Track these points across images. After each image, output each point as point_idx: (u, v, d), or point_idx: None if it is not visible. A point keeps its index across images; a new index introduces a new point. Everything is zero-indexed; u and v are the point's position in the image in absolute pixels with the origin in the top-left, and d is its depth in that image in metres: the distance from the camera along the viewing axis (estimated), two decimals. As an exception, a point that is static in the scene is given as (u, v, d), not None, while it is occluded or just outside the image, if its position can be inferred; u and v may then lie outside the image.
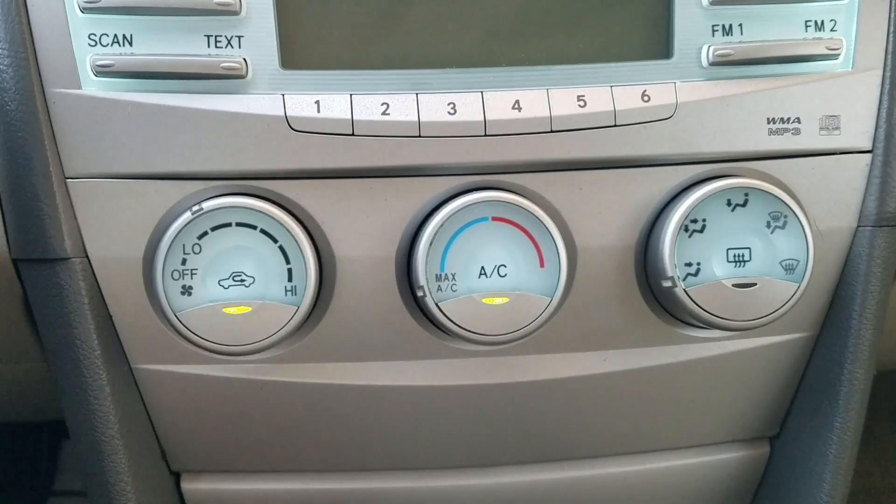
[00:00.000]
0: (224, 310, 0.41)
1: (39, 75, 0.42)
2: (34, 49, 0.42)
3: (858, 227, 0.46)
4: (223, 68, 0.42)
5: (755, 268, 0.44)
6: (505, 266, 0.44)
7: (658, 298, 0.46)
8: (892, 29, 0.46)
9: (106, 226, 0.43)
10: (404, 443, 0.49)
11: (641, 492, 0.53)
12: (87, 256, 0.43)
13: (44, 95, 0.42)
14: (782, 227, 0.44)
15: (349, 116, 0.43)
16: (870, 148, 0.46)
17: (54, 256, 0.42)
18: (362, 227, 0.44)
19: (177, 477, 0.49)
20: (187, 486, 0.49)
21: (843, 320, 0.48)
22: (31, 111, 0.42)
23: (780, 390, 0.51)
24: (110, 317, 0.44)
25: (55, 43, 0.42)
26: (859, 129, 0.46)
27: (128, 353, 0.45)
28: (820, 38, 0.45)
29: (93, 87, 0.42)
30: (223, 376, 0.45)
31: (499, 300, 0.42)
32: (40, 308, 0.45)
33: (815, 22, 0.45)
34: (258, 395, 0.46)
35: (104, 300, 0.44)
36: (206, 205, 0.42)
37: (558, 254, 0.43)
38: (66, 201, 0.42)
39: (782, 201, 0.44)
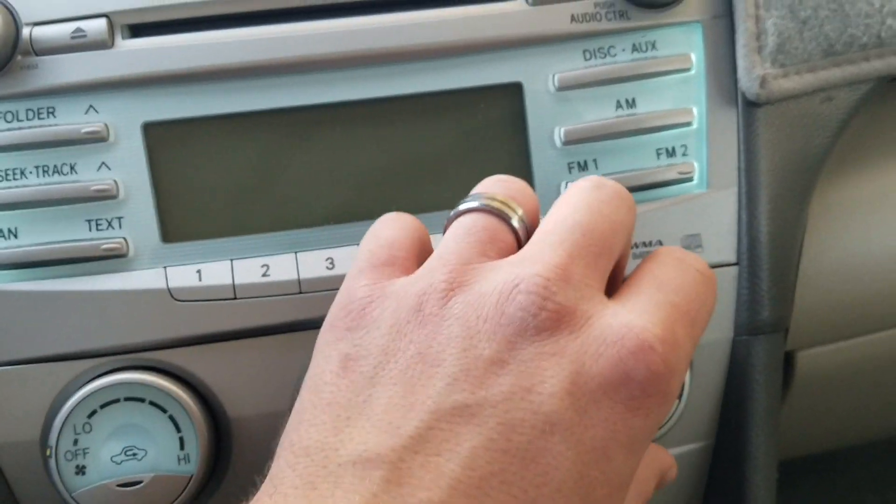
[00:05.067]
0: (117, 486, 0.40)
1: None
2: None
3: (734, 337, 0.46)
4: (103, 250, 0.41)
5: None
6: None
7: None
8: (742, 147, 0.46)
9: (2, 411, 0.41)
10: None
11: None
12: None
13: None
14: None
15: (230, 281, 0.42)
16: (735, 261, 0.45)
17: (-52, 448, 0.43)
18: (254, 386, 0.42)
19: None
20: None
21: (734, 428, 0.46)
22: None
23: (689, 497, 0.50)
24: (17, 500, 0.42)
25: None
26: (721, 244, 0.45)
27: None
28: (672, 164, 0.45)
29: None
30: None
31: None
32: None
33: (667, 149, 0.45)
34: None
35: (8, 484, 0.42)
36: (92, 385, 0.41)
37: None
38: None
39: None
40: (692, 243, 0.45)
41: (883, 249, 0.51)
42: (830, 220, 0.50)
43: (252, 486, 0.32)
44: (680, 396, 0.43)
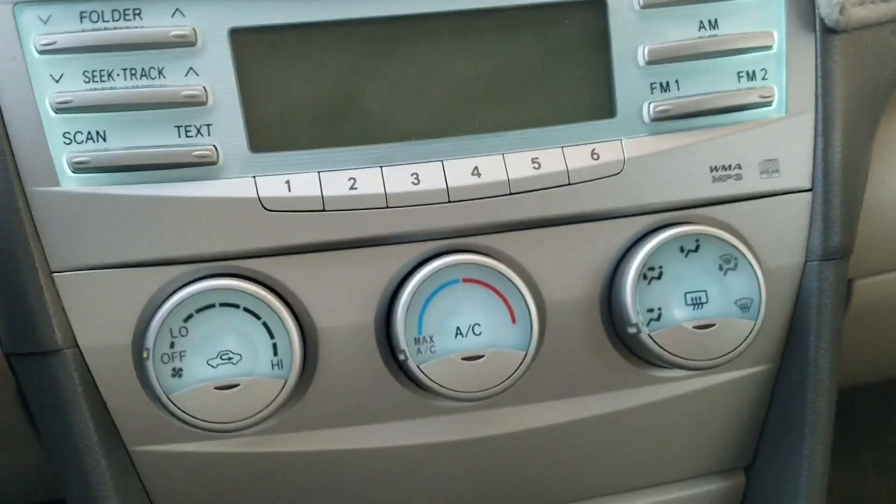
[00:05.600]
0: (214, 388, 0.41)
1: (18, 175, 0.41)
2: (11, 150, 0.40)
3: (806, 262, 0.46)
4: (195, 156, 0.41)
5: (712, 309, 0.43)
6: (479, 325, 0.42)
7: (625, 343, 0.45)
8: (819, 73, 0.46)
9: (94, 316, 0.41)
10: (394, 499, 0.49)
11: None
12: (78, 346, 0.41)
13: (24, 194, 0.42)
14: (734, 269, 0.44)
15: (319, 193, 0.42)
16: (809, 187, 0.46)
17: (46, 349, 0.41)
18: (340, 297, 0.42)
19: None
20: None
21: (801, 351, 0.47)
22: (13, 210, 0.40)
23: (749, 421, 0.50)
24: (104, 403, 0.42)
25: (31, 143, 0.40)
26: (798, 170, 0.46)
27: (123, 437, 0.43)
28: (753, 88, 0.45)
29: (71, 183, 0.40)
30: (217, 451, 0.43)
31: (476, 358, 0.43)
32: (36, 399, 0.43)
33: (747, 72, 0.46)
34: (252, 467, 0.44)
35: (97, 387, 0.42)
36: (189, 289, 0.42)
37: (528, 309, 0.42)
38: (53, 295, 0.41)
39: (731, 244, 0.43)
40: (770, 168, 0.45)
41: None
42: (892, 152, 0.51)
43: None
44: (756, 318, 0.44)
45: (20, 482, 0.56)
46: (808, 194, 0.46)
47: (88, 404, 0.42)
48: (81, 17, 0.41)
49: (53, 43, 0.40)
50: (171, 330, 0.40)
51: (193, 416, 0.40)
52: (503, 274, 0.42)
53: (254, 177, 0.42)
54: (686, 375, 0.46)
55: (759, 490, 0.51)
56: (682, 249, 0.43)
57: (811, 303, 0.46)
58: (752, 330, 0.43)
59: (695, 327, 0.43)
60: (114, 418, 0.43)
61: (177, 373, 0.40)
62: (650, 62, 0.44)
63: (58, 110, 0.40)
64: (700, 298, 0.43)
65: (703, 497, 0.51)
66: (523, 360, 0.42)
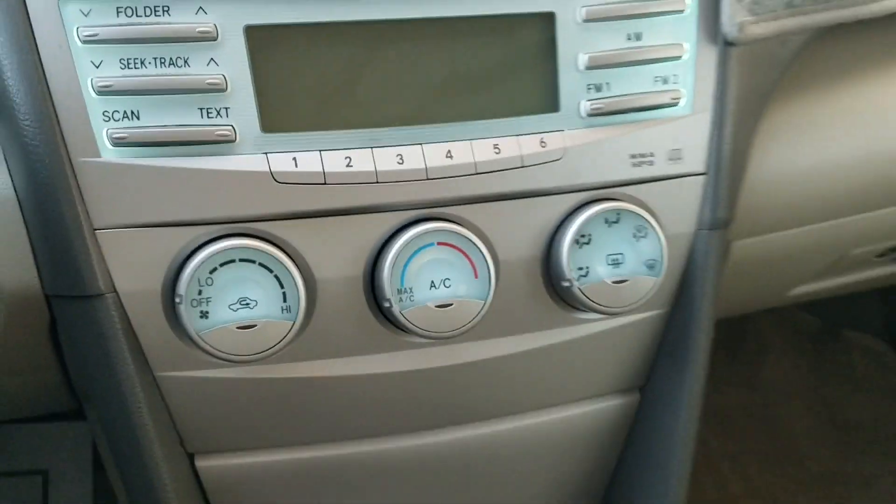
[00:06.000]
0: (236, 328, 0.51)
1: (66, 147, 0.48)
2: (59, 126, 0.47)
3: (697, 230, 0.58)
4: (216, 135, 0.48)
5: (627, 268, 0.55)
6: (449, 279, 0.52)
7: (559, 293, 0.56)
8: (718, 79, 0.58)
9: (129, 266, 0.49)
10: (375, 416, 0.56)
11: (549, 435, 0.64)
12: (116, 292, 0.49)
13: (71, 163, 0.49)
14: (644, 237, 0.55)
15: (321, 169, 0.50)
16: (704, 171, 0.57)
17: (90, 293, 0.48)
18: (336, 254, 0.51)
19: (191, 457, 0.56)
20: (201, 463, 0.56)
21: (688, 299, 0.60)
22: (62, 177, 0.47)
23: (646, 352, 0.62)
24: (136, 338, 0.51)
25: (76, 120, 0.47)
26: (696, 158, 0.57)
27: (151, 364, 0.51)
28: (665, 90, 0.55)
29: (110, 154, 0.47)
30: (230, 377, 0.52)
31: (446, 306, 0.53)
32: (77, 333, 0.51)
33: (662, 77, 0.56)
34: (259, 389, 0.53)
35: (131, 325, 0.50)
36: (215, 246, 0.50)
37: (487, 267, 0.52)
38: (96, 249, 0.48)
39: (643, 217, 0.54)
40: (675, 156, 0.56)
41: (806, 162, 0.65)
42: (770, 139, 0.63)
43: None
44: (658, 275, 0.56)
45: (37, 398, 0.64)
46: (703, 177, 0.58)
47: (125, 338, 0.50)
48: (118, 12, 0.47)
49: (96, 35, 0.47)
50: (199, 280, 0.49)
51: (219, 350, 0.49)
52: (468, 238, 0.52)
53: (265, 153, 0.50)
54: (601, 318, 0.58)
55: (650, 404, 0.65)
56: (606, 221, 0.54)
57: (698, 262, 0.59)
58: (654, 285, 0.56)
59: (613, 282, 0.55)
60: (144, 350, 0.51)
61: (204, 315, 0.49)
62: (588, 67, 0.54)
63: (99, 92, 0.47)
64: (618, 259, 0.55)
65: (609, 409, 0.64)
66: (482, 307, 0.53)
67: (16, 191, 0.50)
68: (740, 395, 1.23)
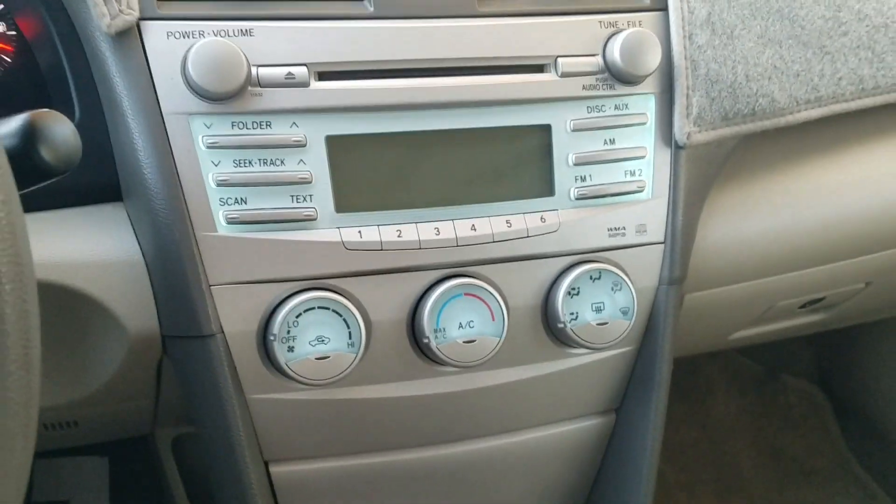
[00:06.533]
0: (315, 359, 0.65)
1: (191, 224, 0.63)
2: (188, 209, 0.63)
3: (659, 285, 0.75)
4: (304, 215, 0.64)
5: (607, 314, 0.70)
6: (473, 321, 0.68)
7: (554, 333, 0.71)
8: (671, 173, 0.75)
9: (234, 313, 0.63)
10: (412, 430, 0.71)
11: (543, 447, 0.79)
12: (223, 332, 0.64)
13: (195, 237, 0.64)
14: (620, 290, 0.71)
15: (378, 239, 0.65)
16: (663, 241, 0.73)
17: (205, 334, 0.63)
18: (387, 302, 0.66)
19: (266, 465, 0.71)
20: (274, 469, 0.70)
21: (653, 338, 0.76)
22: (188, 246, 0.61)
23: (620, 380, 0.78)
24: (235, 367, 0.66)
25: (199, 204, 0.61)
26: (656, 230, 0.73)
27: (245, 388, 0.66)
28: (633, 181, 0.72)
29: (224, 230, 0.62)
30: (305, 398, 0.67)
31: (471, 342, 0.69)
32: (188, 366, 0.66)
33: (630, 171, 0.72)
34: (326, 407, 0.68)
35: (232, 357, 0.66)
36: (300, 298, 0.65)
37: (502, 312, 0.68)
38: (210, 300, 0.62)
39: (619, 275, 0.70)
40: (641, 229, 0.74)
41: (739, 233, 0.82)
42: (712, 216, 0.81)
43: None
44: (631, 319, 0.72)
45: (126, 421, 0.78)
46: (662, 245, 0.75)
47: (228, 367, 0.65)
48: (232, 125, 0.63)
49: (216, 142, 0.62)
50: (288, 323, 0.64)
51: (301, 375, 0.64)
52: (488, 290, 0.68)
53: (338, 228, 0.65)
54: (586, 352, 0.75)
55: (623, 424, 0.81)
56: (591, 277, 0.71)
57: (660, 310, 0.75)
58: (628, 326, 0.72)
59: (597, 324, 0.71)
60: (240, 378, 0.66)
61: (291, 349, 0.64)
62: (575, 164, 0.71)
63: (217, 184, 0.62)
64: (600, 307, 0.71)
65: (591, 426, 0.79)
66: (499, 342, 0.68)
67: (143, 255, 0.65)
68: (693, 432, 1.39)
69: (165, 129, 0.62)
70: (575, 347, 0.73)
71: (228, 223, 0.63)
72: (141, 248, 0.65)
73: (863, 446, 1.38)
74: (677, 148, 0.74)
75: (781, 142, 0.83)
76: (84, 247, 0.64)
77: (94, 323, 0.66)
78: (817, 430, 1.42)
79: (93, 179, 0.66)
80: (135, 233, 0.66)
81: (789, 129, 0.79)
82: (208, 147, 0.62)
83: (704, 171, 0.77)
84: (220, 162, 0.63)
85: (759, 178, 0.84)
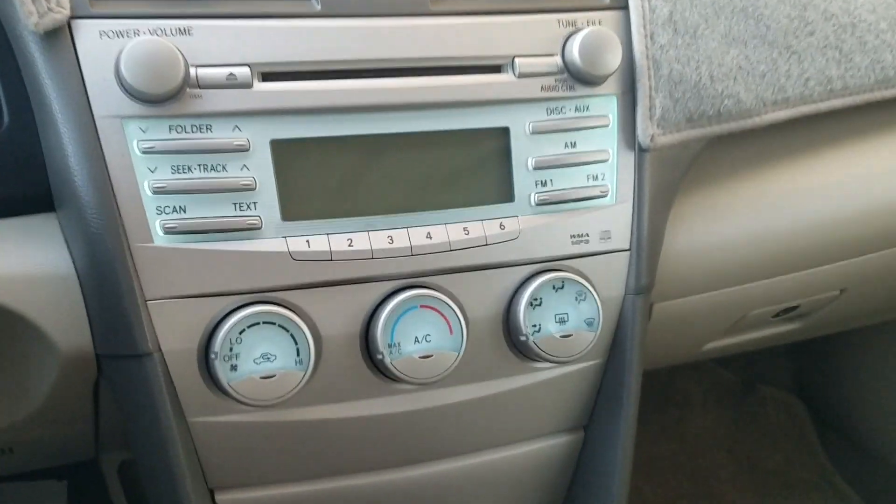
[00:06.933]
0: (260, 378, 0.61)
1: (125, 234, 0.58)
2: (121, 217, 0.59)
3: (626, 295, 0.72)
4: (247, 224, 0.60)
5: (571, 325, 0.67)
6: (429, 335, 0.64)
7: (516, 346, 0.68)
8: (636, 177, 0.73)
9: (173, 330, 0.59)
10: (368, 452, 0.67)
11: (509, 468, 0.75)
12: (161, 351, 0.60)
13: (129, 248, 0.60)
14: (584, 300, 0.68)
15: (328, 248, 0.62)
16: (628, 248, 0.71)
17: (140, 353, 0.59)
18: (338, 316, 0.63)
19: (211, 493, 0.66)
20: (220, 497, 0.66)
21: (620, 350, 0.73)
22: (122, 258, 0.58)
23: (588, 396, 0.75)
24: (174, 388, 0.62)
25: (134, 213, 0.58)
26: (621, 237, 0.70)
27: (185, 411, 0.62)
28: (596, 185, 0.69)
29: (161, 241, 0.58)
30: (251, 420, 0.63)
31: (427, 357, 0.65)
32: (124, 386, 0.62)
33: (593, 175, 0.70)
34: (274, 430, 0.64)
35: (171, 378, 0.61)
36: (243, 312, 0.61)
37: (460, 324, 0.64)
38: (147, 316, 0.59)
39: (583, 284, 0.67)
40: (605, 236, 0.71)
41: (706, 240, 0.80)
42: (678, 222, 0.78)
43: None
44: (596, 331, 0.69)
45: (64, 447, 0.73)
46: (628, 252, 0.72)
47: (166, 388, 0.61)
48: (170, 129, 0.60)
49: (152, 147, 0.59)
50: (230, 339, 0.60)
51: (245, 396, 0.60)
52: (445, 302, 0.65)
53: (284, 237, 0.62)
54: (551, 367, 0.71)
55: (592, 441, 0.77)
56: (553, 287, 0.68)
57: (627, 320, 0.72)
58: (593, 338, 0.69)
59: (560, 336, 0.68)
60: (180, 399, 0.62)
61: (233, 368, 0.60)
62: (535, 168, 0.68)
63: (154, 192, 0.59)
64: (564, 318, 0.68)
65: (559, 445, 0.76)
66: (457, 357, 0.65)
67: (76, 269, 0.61)
68: (670, 446, 1.36)
69: (97, 134, 0.58)
70: (538, 361, 0.70)
71: (166, 233, 0.59)
72: (73, 262, 0.61)
73: (843, 458, 1.36)
74: (641, 151, 0.71)
75: (750, 145, 0.81)
76: (11, 260, 0.60)
77: (23, 341, 0.62)
78: (797, 442, 1.40)
79: (22, 189, 0.63)
80: (67, 245, 0.62)
81: (757, 132, 0.77)
82: (144, 152, 0.59)
83: (670, 175, 0.74)
84: (156, 168, 0.59)
85: (728, 183, 0.81)
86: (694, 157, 0.76)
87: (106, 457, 0.83)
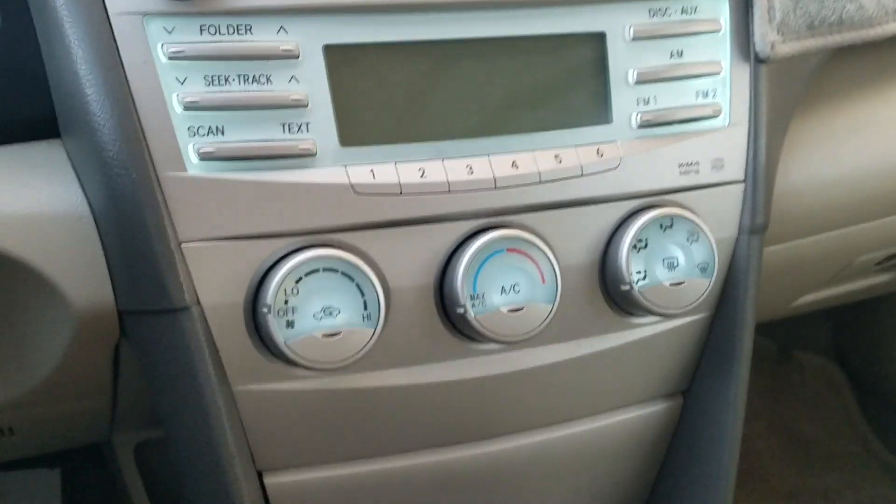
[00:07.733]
0: (322, 336, 0.51)
1: (152, 162, 0.48)
2: (146, 141, 0.48)
3: (739, 235, 0.62)
4: (299, 149, 0.50)
5: (682, 271, 0.58)
6: (518, 284, 0.55)
7: (614, 298, 0.58)
8: (752, 95, 0.61)
9: (214, 279, 0.49)
10: (442, 426, 0.58)
11: (598, 441, 0.65)
12: (200, 305, 0.50)
13: (157, 178, 0.49)
14: (696, 241, 0.58)
15: (397, 180, 0.52)
16: (743, 179, 0.62)
17: (176, 307, 0.49)
18: (410, 263, 0.53)
19: (259, 475, 0.56)
20: (269, 480, 0.56)
21: (731, 302, 0.63)
22: (149, 191, 0.48)
23: (691, 356, 0.65)
24: (217, 350, 0.52)
25: (162, 135, 0.48)
26: (735, 166, 0.60)
27: (229, 377, 0.52)
28: (707, 104, 0.59)
29: (196, 169, 0.48)
30: (308, 388, 0.53)
31: (518, 310, 0.54)
32: (155, 348, 0.52)
33: (703, 91, 0.59)
34: (334, 400, 0.54)
35: (212, 337, 0.51)
36: (300, 256, 0.51)
37: (554, 272, 0.54)
38: (182, 262, 0.49)
39: (695, 222, 0.58)
40: (718, 165, 0.60)
41: (822, 172, 0.70)
42: (791, 151, 0.68)
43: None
44: (711, 278, 0.59)
45: (74, 428, 0.63)
46: (742, 185, 0.62)
47: (208, 351, 0.50)
48: (201, 30, 0.49)
49: (181, 52, 0.48)
50: (285, 290, 0.49)
51: (305, 358, 0.50)
52: (536, 245, 0.54)
53: (345, 166, 0.51)
54: (653, 322, 0.61)
55: (693, 408, 0.67)
56: (661, 226, 0.57)
57: (741, 266, 0.62)
58: (708, 286, 0.59)
59: (671, 285, 0.58)
60: (224, 364, 0.52)
61: (290, 324, 0.50)
62: (637, 82, 0.57)
63: (185, 108, 0.48)
64: (673, 263, 0.58)
65: (654, 413, 0.66)
66: (551, 310, 0.55)
67: (91, 207, 0.51)
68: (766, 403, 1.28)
69: (113, 36, 0.48)
70: (640, 316, 0.60)
71: (202, 159, 0.49)
72: (87, 198, 0.51)
73: (885, 426, 1.28)
74: (758, 62, 0.61)
75: (869, 62, 0.71)
76: (11, 197, 0.50)
77: (28, 297, 0.51)
78: (836, 410, 1.31)
79: (20, 110, 0.53)
80: (78, 178, 0.51)
81: (877, 47, 0.66)
82: (171, 58, 0.48)
83: (787, 94, 0.64)
84: (186, 79, 0.49)
85: (844, 106, 0.71)
86: (812, 73, 0.66)
87: (120, 438, 0.73)
